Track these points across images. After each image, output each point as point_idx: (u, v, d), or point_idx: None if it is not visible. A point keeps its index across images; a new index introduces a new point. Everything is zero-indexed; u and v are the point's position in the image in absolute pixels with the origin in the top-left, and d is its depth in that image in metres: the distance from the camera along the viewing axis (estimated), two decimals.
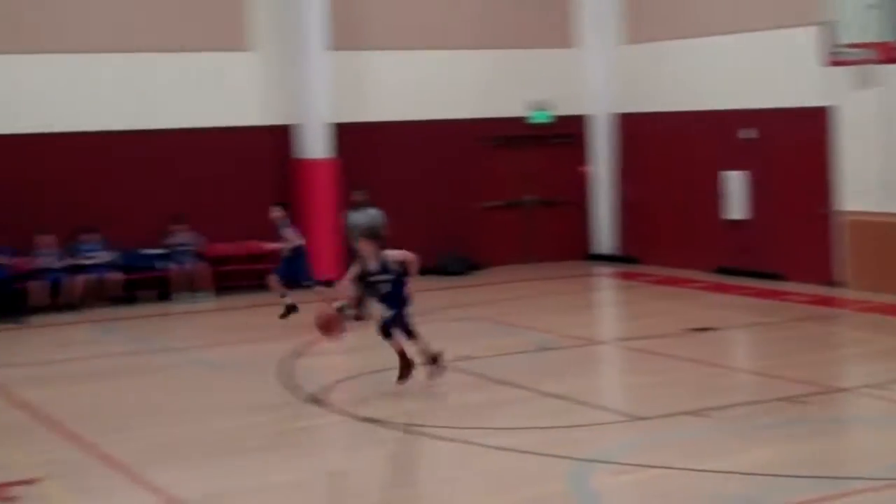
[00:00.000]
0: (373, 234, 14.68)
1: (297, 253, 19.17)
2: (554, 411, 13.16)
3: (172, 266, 22.02)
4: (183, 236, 22.14)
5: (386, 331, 14.24)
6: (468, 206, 24.97)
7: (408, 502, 10.18)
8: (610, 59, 25.53)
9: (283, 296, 19.01)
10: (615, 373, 16.46)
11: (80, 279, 21.22)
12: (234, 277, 22.40)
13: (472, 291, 22.43)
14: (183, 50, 22.55)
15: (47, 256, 21.13)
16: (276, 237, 19.43)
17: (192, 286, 22.05)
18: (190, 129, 22.58)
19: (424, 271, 23.81)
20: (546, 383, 14.31)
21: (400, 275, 14.18)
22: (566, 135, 25.80)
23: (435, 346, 14.37)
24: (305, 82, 22.99)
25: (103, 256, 21.52)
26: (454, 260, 24.44)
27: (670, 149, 24.37)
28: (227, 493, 10.48)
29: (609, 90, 25.58)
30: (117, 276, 21.56)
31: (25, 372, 16.38)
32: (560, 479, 10.52)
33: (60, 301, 21.10)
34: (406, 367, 14.16)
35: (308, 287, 19.14)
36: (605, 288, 24.00)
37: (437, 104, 24.53)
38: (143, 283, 21.97)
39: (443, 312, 20.14)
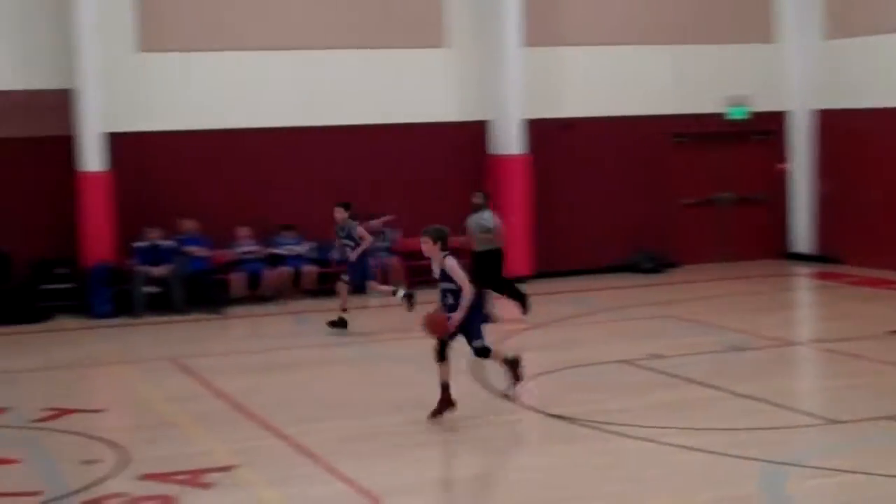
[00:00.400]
0: (436, 234, 12.96)
1: (365, 253, 18.66)
2: (746, 412, 12.94)
3: (367, 260, 22.25)
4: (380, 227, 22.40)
5: (441, 353, 12.88)
6: (661, 203, 24.68)
7: (595, 500, 10.11)
8: (811, 54, 24.92)
9: (343, 310, 18.51)
10: (811, 375, 16.10)
11: (278, 271, 21.65)
12: (427, 272, 22.54)
13: (664, 289, 22.19)
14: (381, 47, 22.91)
15: (246, 248, 21.62)
16: (343, 242, 18.78)
17: (385, 280, 22.28)
18: (386, 124, 22.82)
19: (616, 268, 24.07)
20: (739, 384, 14.07)
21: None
22: (764, 131, 25.32)
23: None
24: (501, 78, 23.03)
25: (300, 249, 21.92)
26: (647, 257, 24.20)
27: (872, 146, 23.69)
28: (417, 485, 10.57)
29: (809, 86, 25.00)
30: (313, 268, 21.92)
31: (224, 361, 16.78)
32: (752, 482, 10.34)
33: (258, 292, 21.57)
34: (514, 375, 13.28)
35: (350, 285, 18.62)
36: (802, 288, 23.47)
37: (632, 100, 24.31)
38: (338, 276, 22.26)
39: (635, 310, 20.00)
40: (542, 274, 23.16)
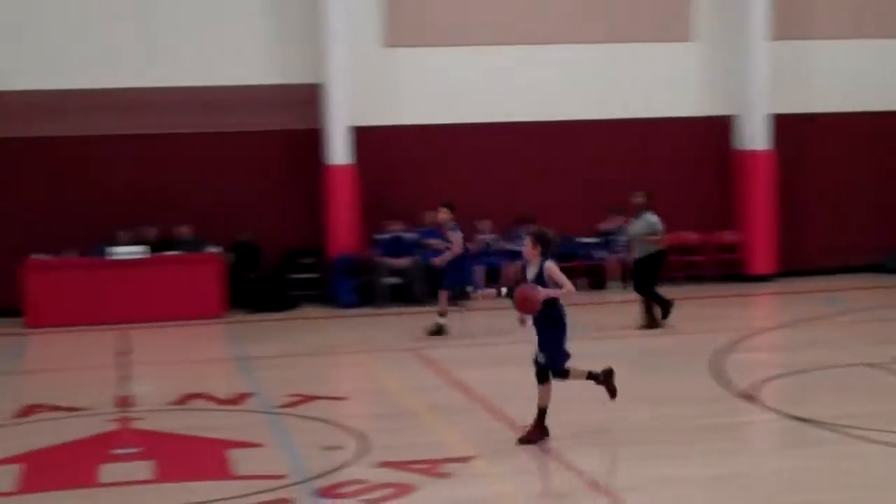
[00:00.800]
0: (539, 236, 12.12)
1: (462, 258, 18.15)
2: None
3: (608, 255, 22.17)
4: (618, 226, 22.25)
5: (541, 375, 11.96)
6: None
7: None
8: None
9: (441, 314, 18.05)
10: None
11: (517, 264, 21.67)
12: (670, 268, 22.35)
13: None
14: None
15: (485, 241, 21.79)
16: (443, 241, 18.41)
17: (626, 275, 22.12)
18: (627, 119, 22.66)
19: (865, 268, 23.30)
20: None
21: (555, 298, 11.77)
22: None
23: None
24: (747, 72, 22.60)
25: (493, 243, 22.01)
26: None
27: None
28: (653, 482, 10.44)
29: None
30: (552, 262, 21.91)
31: (463, 353, 16.92)
32: None
33: (497, 285, 21.65)
34: (538, 427, 11.81)
35: (472, 293, 18.22)
36: None
37: (882, 95, 23.47)
38: (577, 271, 22.24)
39: (883, 312, 19.38)
40: (787, 272, 22.66)
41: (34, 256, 20.07)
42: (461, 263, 18.26)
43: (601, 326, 18.33)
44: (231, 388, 14.72)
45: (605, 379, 12.29)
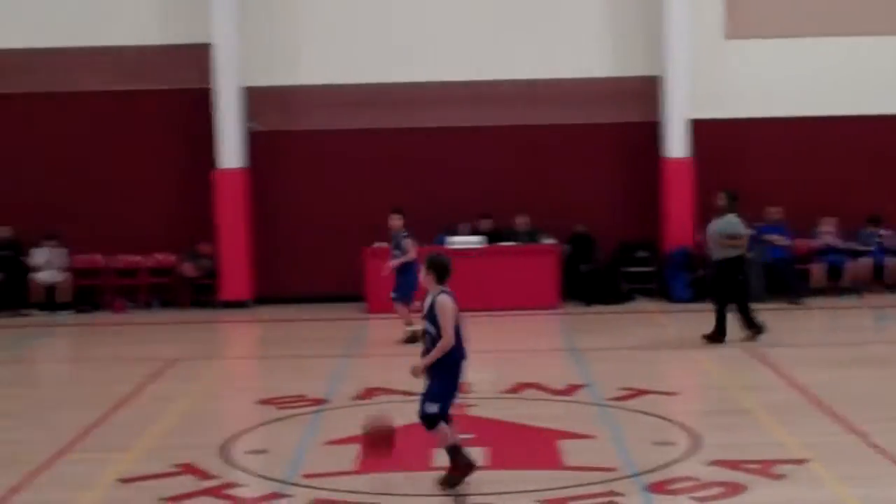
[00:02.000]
0: (431, 263, 10.60)
1: (408, 268, 17.15)
2: None
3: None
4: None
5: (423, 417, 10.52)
6: None
7: None
8: None
9: (408, 323, 17.05)
10: None
11: (860, 263, 21.05)
12: None
13: None
14: None
15: (828, 240, 21.19)
16: (392, 249, 17.67)
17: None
18: None
19: None
20: None
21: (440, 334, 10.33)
22: None
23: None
24: None
25: (887, 242, 21.19)
26: None
27: None
28: None
29: None
30: None
31: (799, 353, 16.51)
32: None
33: (839, 284, 21.06)
34: (455, 468, 10.50)
35: (400, 303, 17.27)
36: None
37: None
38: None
39: None
40: None
41: (376, 245, 20.73)
42: (410, 271, 17.18)
43: None
44: (563, 378, 14.83)
45: (453, 456, 10.52)
